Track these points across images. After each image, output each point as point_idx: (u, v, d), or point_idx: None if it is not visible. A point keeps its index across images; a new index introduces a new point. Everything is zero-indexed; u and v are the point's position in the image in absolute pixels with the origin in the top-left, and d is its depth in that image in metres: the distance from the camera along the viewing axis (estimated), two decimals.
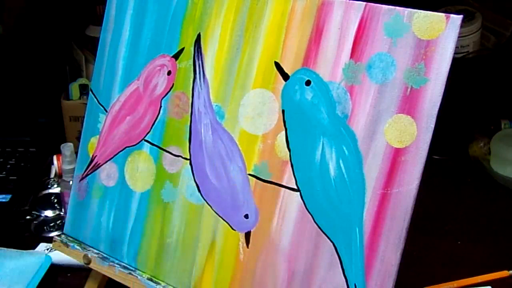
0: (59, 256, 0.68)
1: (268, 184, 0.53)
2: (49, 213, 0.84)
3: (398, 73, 0.48)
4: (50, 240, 0.71)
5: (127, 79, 0.62)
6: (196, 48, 0.58)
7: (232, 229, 0.55)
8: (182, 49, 0.58)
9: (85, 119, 0.65)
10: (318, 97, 0.51)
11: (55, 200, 0.87)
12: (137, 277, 0.60)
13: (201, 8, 0.58)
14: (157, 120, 0.60)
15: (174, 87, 0.59)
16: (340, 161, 0.50)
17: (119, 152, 0.62)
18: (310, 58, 0.51)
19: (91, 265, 0.63)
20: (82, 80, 1.04)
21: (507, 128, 1.00)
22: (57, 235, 0.67)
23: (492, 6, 1.09)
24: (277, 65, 0.53)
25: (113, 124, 0.63)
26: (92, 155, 0.64)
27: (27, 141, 1.01)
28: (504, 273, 0.68)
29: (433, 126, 0.46)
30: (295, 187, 0.52)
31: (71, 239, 0.65)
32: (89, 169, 0.64)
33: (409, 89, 0.47)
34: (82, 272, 0.68)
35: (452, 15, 0.46)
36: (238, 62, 0.55)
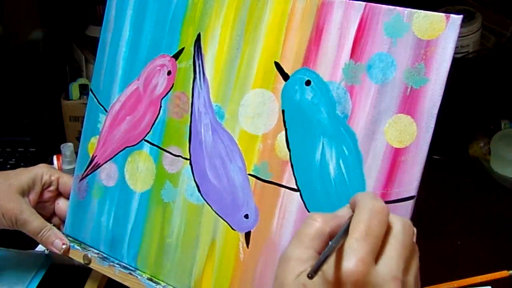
0: (59, 256, 0.68)
1: (268, 184, 0.53)
2: None
3: (398, 73, 0.48)
4: None
5: (127, 79, 0.62)
6: (196, 48, 0.58)
7: (232, 229, 0.55)
8: (182, 49, 0.58)
9: (85, 119, 0.65)
10: (318, 97, 0.51)
11: None
12: (137, 277, 0.60)
13: (201, 8, 0.58)
14: (157, 120, 0.60)
15: (174, 87, 0.59)
16: (340, 161, 0.50)
17: (119, 152, 0.62)
18: (310, 58, 0.51)
19: (91, 265, 0.63)
20: (82, 80, 1.04)
21: (507, 128, 1.01)
22: None
23: (492, 6, 1.09)
24: (277, 65, 0.53)
25: (113, 124, 0.63)
26: (92, 155, 0.64)
27: (27, 141, 1.01)
28: (504, 273, 0.68)
29: (433, 126, 0.46)
30: (295, 187, 0.52)
31: (71, 239, 0.65)
32: (89, 169, 0.64)
33: (409, 89, 0.47)
34: (82, 272, 0.68)
35: (452, 15, 0.46)
36: (238, 62, 0.55)
